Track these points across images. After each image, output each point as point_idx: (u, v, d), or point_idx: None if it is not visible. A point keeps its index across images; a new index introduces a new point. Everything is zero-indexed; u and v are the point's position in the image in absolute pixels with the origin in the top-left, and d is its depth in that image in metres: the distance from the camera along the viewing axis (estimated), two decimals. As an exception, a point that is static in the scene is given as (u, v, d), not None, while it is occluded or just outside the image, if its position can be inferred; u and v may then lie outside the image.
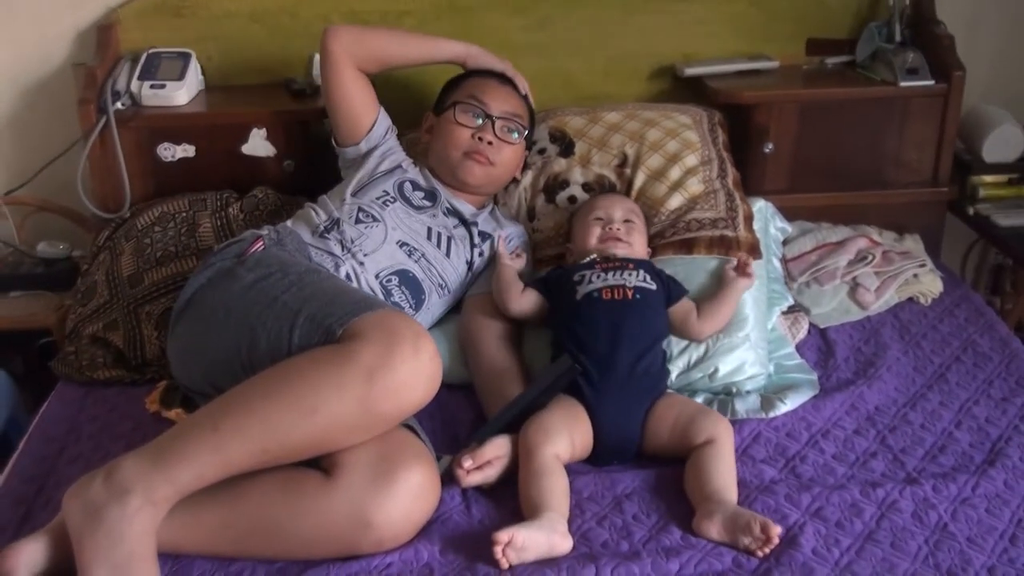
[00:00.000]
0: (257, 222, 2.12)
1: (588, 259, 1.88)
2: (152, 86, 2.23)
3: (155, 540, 1.38)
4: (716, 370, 1.83)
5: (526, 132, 2.09)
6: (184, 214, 2.16)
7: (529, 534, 1.41)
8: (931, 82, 2.27)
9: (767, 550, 1.42)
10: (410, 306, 1.87)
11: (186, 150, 2.25)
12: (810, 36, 2.44)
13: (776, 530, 1.42)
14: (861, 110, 2.31)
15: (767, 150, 2.31)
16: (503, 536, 1.39)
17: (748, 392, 1.84)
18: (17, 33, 2.36)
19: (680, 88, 2.43)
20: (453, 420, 1.83)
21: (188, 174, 2.26)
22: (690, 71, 2.38)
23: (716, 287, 1.90)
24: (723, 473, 1.56)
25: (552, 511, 1.48)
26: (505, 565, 1.39)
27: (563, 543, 1.44)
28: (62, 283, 2.24)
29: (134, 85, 2.22)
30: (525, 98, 2.14)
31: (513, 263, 1.96)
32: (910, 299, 2.17)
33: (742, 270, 1.90)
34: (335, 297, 1.57)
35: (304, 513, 1.43)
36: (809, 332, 2.07)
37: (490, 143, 2.01)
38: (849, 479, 1.62)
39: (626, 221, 1.95)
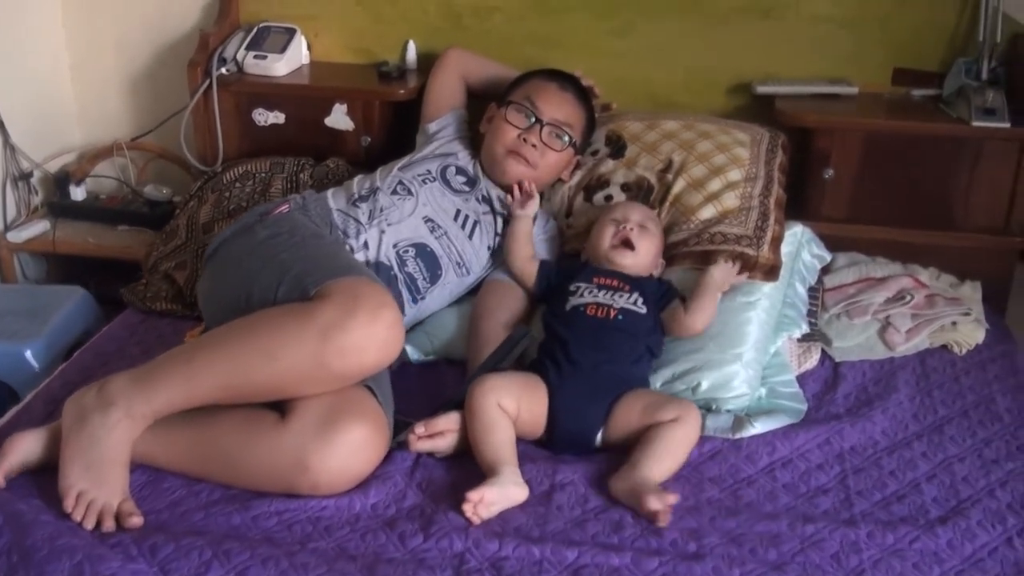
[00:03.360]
0: (321, 189, 2.32)
1: (589, 271, 1.95)
2: (255, 56, 2.47)
3: (129, 449, 1.58)
4: (699, 384, 1.86)
5: (574, 140, 2.15)
6: (263, 174, 2.38)
7: (492, 491, 1.56)
8: (1006, 124, 2.16)
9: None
10: (424, 279, 1.99)
11: (277, 117, 2.48)
12: (897, 65, 2.37)
13: (660, 520, 1.52)
14: (928, 146, 2.24)
15: (827, 176, 2.28)
16: (474, 496, 1.53)
17: (728, 411, 1.85)
18: (156, -1, 2.67)
19: (757, 106, 2.43)
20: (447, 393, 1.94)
21: (277, 139, 2.49)
22: (762, 89, 2.38)
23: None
24: (661, 444, 1.65)
25: (506, 464, 1.62)
26: (476, 521, 1.54)
27: (520, 493, 1.59)
28: (160, 223, 2.51)
29: (240, 54, 2.47)
30: (588, 106, 2.21)
31: (526, 209, 2.07)
32: (944, 347, 2.09)
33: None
34: (323, 261, 1.73)
35: (254, 448, 1.60)
36: (822, 364, 2.05)
37: (534, 146, 2.10)
38: (787, 510, 1.62)
39: (640, 226, 1.99)
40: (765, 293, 1.99)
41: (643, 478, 1.60)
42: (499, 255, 2.11)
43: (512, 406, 1.72)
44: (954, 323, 2.10)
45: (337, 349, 1.56)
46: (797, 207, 2.31)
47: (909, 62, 2.37)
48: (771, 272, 2.01)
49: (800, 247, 2.15)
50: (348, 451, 1.58)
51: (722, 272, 1.95)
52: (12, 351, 2.08)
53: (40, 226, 2.51)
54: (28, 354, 2.09)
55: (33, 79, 2.63)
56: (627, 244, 1.95)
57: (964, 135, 2.20)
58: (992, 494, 1.67)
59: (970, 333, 2.09)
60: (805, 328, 2.04)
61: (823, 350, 2.08)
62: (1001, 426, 1.86)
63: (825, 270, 2.25)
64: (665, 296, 1.93)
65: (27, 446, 1.63)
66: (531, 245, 2.04)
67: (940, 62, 2.36)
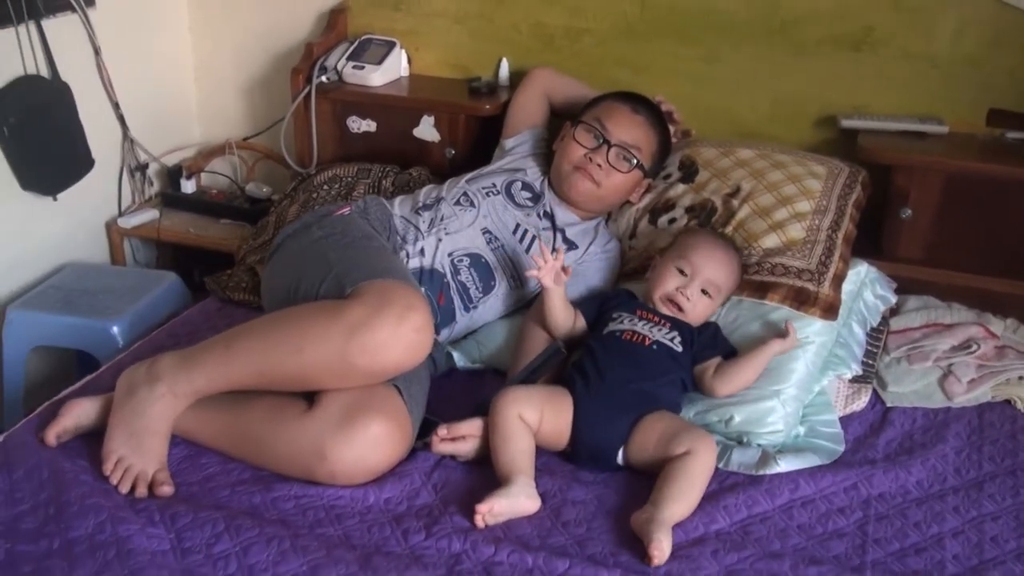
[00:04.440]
0: (401, 195, 2.41)
1: (634, 304, 1.94)
2: (354, 66, 2.59)
3: (170, 424, 1.71)
4: (732, 417, 1.84)
5: (640, 163, 2.16)
6: (349, 179, 2.50)
7: (501, 502, 1.61)
8: (1095, 176, 2.05)
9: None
10: (477, 288, 2.05)
11: (369, 125, 2.60)
12: (993, 106, 2.27)
13: (654, 562, 1.49)
14: (1011, 191, 2.14)
15: (904, 216, 2.21)
16: (483, 508, 1.58)
17: (759, 445, 1.83)
18: (274, 10, 2.82)
19: (843, 140, 2.38)
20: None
21: (368, 145, 2.61)
22: (847, 123, 2.32)
23: (749, 348, 1.89)
24: (679, 483, 1.64)
25: (520, 475, 1.66)
26: (481, 525, 1.59)
27: (530, 505, 1.64)
28: (257, 219, 2.65)
29: (340, 64, 2.60)
30: (661, 131, 2.22)
31: (553, 284, 1.90)
32: (1007, 401, 1.99)
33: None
34: (365, 262, 1.82)
35: (281, 434, 1.69)
36: (872, 407, 1.99)
37: (599, 166, 2.13)
38: (794, 550, 1.59)
39: (703, 291, 1.92)
40: (817, 331, 1.95)
41: (659, 520, 1.57)
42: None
43: (534, 418, 1.75)
44: (1021, 378, 1.99)
45: (361, 346, 1.63)
46: (873, 246, 2.26)
47: (1007, 104, 2.27)
48: (829, 310, 1.97)
49: (863, 286, 2.09)
50: (365, 444, 1.65)
51: (784, 347, 1.87)
52: (100, 326, 2.26)
53: (149, 214, 2.70)
54: (114, 330, 2.26)
55: (158, 79, 2.84)
56: (679, 308, 1.91)
57: (1047, 182, 2.10)
58: (1020, 558, 1.60)
59: (1037, 390, 1.98)
60: (856, 370, 1.98)
61: (876, 393, 2.02)
62: (1049, 489, 1.77)
63: (894, 312, 2.19)
64: (706, 346, 1.89)
65: (82, 411, 1.77)
66: (569, 309, 1.96)
67: (1039, 105, 2.26)
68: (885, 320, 2.14)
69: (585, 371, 1.82)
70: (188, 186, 2.81)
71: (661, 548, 1.51)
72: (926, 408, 1.99)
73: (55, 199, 2.47)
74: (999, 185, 2.16)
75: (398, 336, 1.65)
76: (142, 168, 2.77)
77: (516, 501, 1.62)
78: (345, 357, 1.64)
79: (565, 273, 1.93)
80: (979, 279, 2.20)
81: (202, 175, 2.90)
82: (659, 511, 1.59)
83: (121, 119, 2.67)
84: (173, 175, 2.82)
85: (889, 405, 2.00)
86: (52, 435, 1.72)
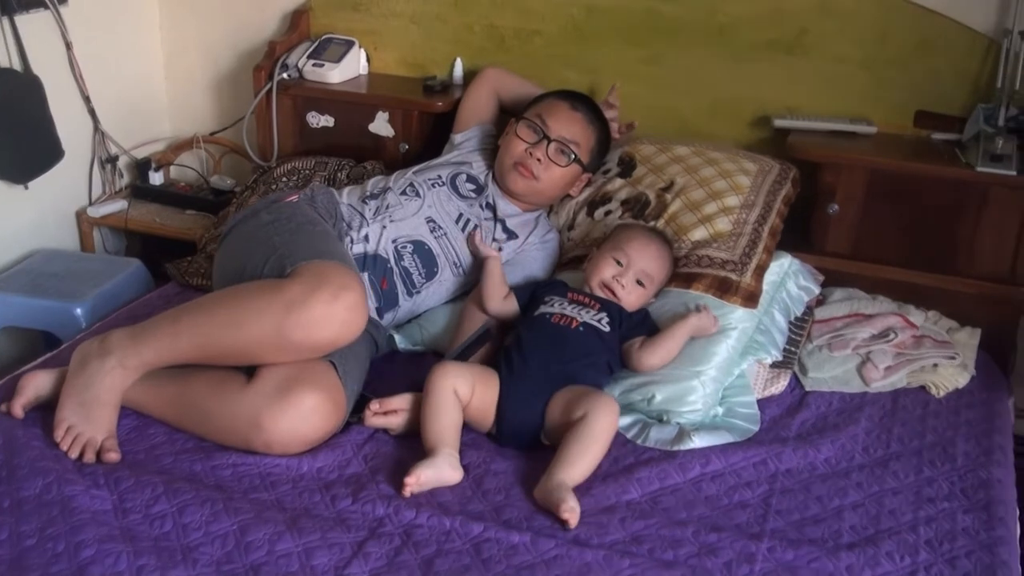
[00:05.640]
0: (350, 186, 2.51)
1: (565, 289, 2.04)
2: (314, 64, 2.70)
3: (119, 395, 1.81)
4: (654, 396, 1.94)
5: (578, 158, 2.25)
6: (307, 171, 2.61)
7: (427, 472, 1.70)
8: (1012, 172, 2.15)
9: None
10: (420, 274, 2.15)
11: (327, 120, 2.70)
12: (921, 108, 2.38)
13: (570, 524, 1.61)
14: (933, 188, 2.24)
15: (831, 211, 2.31)
16: (411, 479, 1.67)
17: (678, 424, 1.92)
18: (241, 9, 2.93)
19: (779, 139, 2.47)
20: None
21: (326, 140, 2.72)
22: (780, 123, 2.43)
23: (669, 323, 1.99)
24: (573, 447, 1.73)
25: (446, 447, 1.75)
26: (408, 495, 1.67)
27: (453, 475, 1.72)
28: (221, 210, 2.76)
29: (301, 61, 2.70)
30: (600, 127, 2.32)
31: (489, 250, 2.15)
32: (923, 388, 2.09)
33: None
34: (307, 245, 1.92)
35: (221, 405, 1.79)
36: (791, 391, 2.09)
37: (539, 160, 2.23)
38: (698, 519, 1.68)
39: (638, 282, 2.02)
40: (739, 318, 2.05)
41: (558, 483, 1.67)
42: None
43: (466, 392, 1.84)
44: (935, 365, 2.09)
45: (296, 322, 1.73)
46: (803, 240, 2.36)
47: (933, 106, 2.38)
48: (750, 299, 2.07)
49: (786, 277, 2.19)
50: (299, 416, 1.75)
51: (700, 321, 1.97)
52: (64, 308, 2.36)
53: (118, 205, 2.81)
54: (78, 312, 2.36)
55: (129, 75, 2.95)
56: (613, 294, 2.01)
57: (968, 179, 2.20)
58: (914, 528, 1.69)
59: (950, 376, 2.08)
60: (776, 355, 2.08)
61: (797, 379, 2.12)
62: (951, 467, 1.86)
63: (820, 303, 2.29)
64: (635, 326, 2.00)
65: (39, 383, 1.87)
66: (505, 285, 2.10)
67: (963, 107, 2.36)
68: (810, 310, 2.24)
69: (510, 354, 1.92)
70: (156, 178, 2.92)
71: (571, 509, 1.61)
72: (843, 392, 2.09)
73: (26, 188, 2.58)
74: (921, 182, 2.26)
75: (331, 313, 1.75)
76: (112, 160, 2.87)
77: (441, 471, 1.72)
78: (282, 332, 1.74)
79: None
80: (903, 272, 2.30)
81: (171, 168, 3.00)
82: (556, 476, 1.68)
83: (92, 112, 2.78)
84: (142, 167, 2.92)
85: (808, 390, 2.10)
86: (18, 407, 1.82)
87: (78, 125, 2.76)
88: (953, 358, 2.11)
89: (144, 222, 2.80)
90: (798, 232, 2.35)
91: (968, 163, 2.21)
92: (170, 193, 2.88)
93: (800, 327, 2.19)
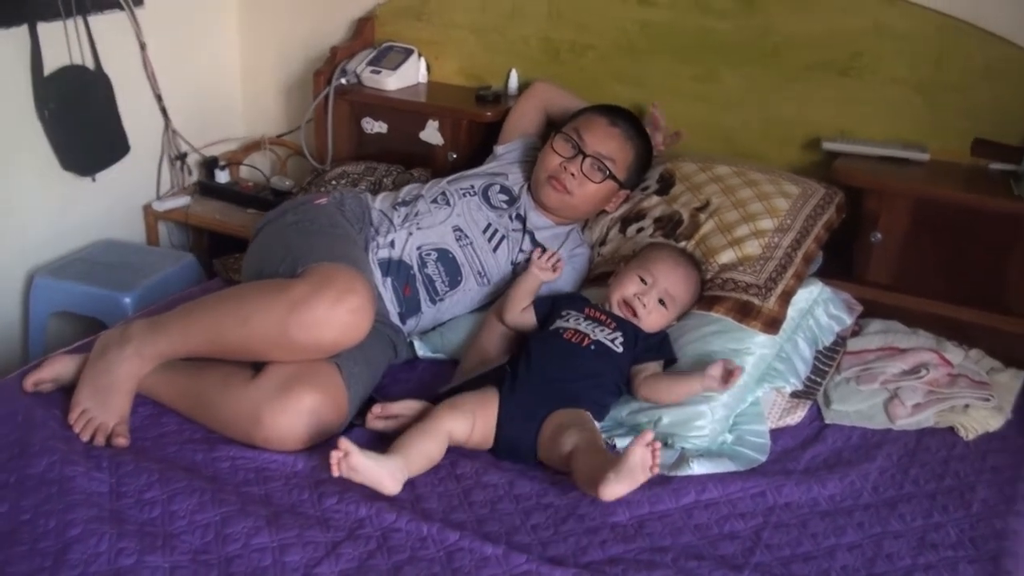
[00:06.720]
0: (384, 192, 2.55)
1: (584, 303, 2.02)
2: (372, 71, 2.75)
3: (135, 383, 1.88)
4: (660, 419, 1.91)
5: (612, 174, 2.23)
6: (356, 175, 2.66)
7: (367, 462, 1.65)
8: (1060, 208, 2.02)
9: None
10: (443, 282, 2.17)
11: (381, 126, 2.75)
12: (978, 136, 2.26)
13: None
14: (979, 220, 2.13)
15: (874, 239, 2.22)
16: (343, 445, 1.64)
17: (681, 448, 1.88)
18: (314, 15, 3.02)
19: (829, 162, 2.38)
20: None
21: (380, 146, 2.77)
22: (829, 146, 2.35)
23: (687, 368, 1.94)
24: (590, 455, 1.70)
25: (402, 459, 1.71)
26: (336, 472, 1.65)
27: (390, 485, 1.68)
28: (279, 209, 2.85)
29: (360, 68, 2.76)
30: (640, 144, 2.29)
31: (542, 273, 2.11)
32: (951, 428, 1.99)
33: (724, 378, 1.87)
34: (321, 247, 1.96)
35: (227, 399, 1.85)
36: (809, 423, 2.02)
37: (573, 175, 2.22)
38: (682, 548, 1.64)
39: (660, 302, 1.98)
40: (758, 343, 1.99)
41: (617, 462, 1.62)
42: (519, 270, 2.23)
43: (463, 434, 1.81)
44: (966, 406, 1.99)
45: (299, 322, 1.77)
46: (844, 268, 2.28)
47: (993, 134, 2.26)
48: (771, 325, 2.01)
49: (815, 305, 2.11)
50: (296, 414, 1.78)
51: (716, 382, 1.86)
52: (112, 297, 2.48)
53: (181, 200, 2.92)
54: (126, 301, 2.47)
55: (204, 77, 3.08)
56: (634, 312, 1.98)
57: (1014, 212, 2.08)
58: (909, 575, 1.61)
59: (982, 419, 1.97)
60: (796, 385, 2.01)
61: (817, 410, 2.05)
62: (965, 514, 1.76)
63: (856, 334, 2.20)
64: (650, 349, 1.96)
65: (61, 366, 1.96)
66: (528, 299, 2.08)
67: (1024, 136, 2.24)
68: (843, 340, 2.16)
69: (517, 365, 1.91)
70: (222, 176, 3.02)
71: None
72: (866, 428, 2.00)
73: (94, 180, 2.72)
74: (969, 214, 2.15)
75: (334, 315, 1.78)
76: (182, 157, 3.00)
77: (380, 471, 1.66)
78: (285, 331, 1.78)
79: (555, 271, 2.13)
80: (946, 307, 2.19)
81: (241, 168, 3.11)
82: (611, 463, 1.62)
83: (164, 111, 2.91)
84: (210, 165, 3.04)
85: (829, 422, 2.02)
86: (30, 382, 1.92)
87: (149, 122, 2.89)
88: (987, 399, 2.00)
89: (205, 218, 2.90)
90: (839, 260, 2.27)
91: (1020, 195, 2.10)
92: (233, 191, 2.98)
93: (830, 357, 2.12)
